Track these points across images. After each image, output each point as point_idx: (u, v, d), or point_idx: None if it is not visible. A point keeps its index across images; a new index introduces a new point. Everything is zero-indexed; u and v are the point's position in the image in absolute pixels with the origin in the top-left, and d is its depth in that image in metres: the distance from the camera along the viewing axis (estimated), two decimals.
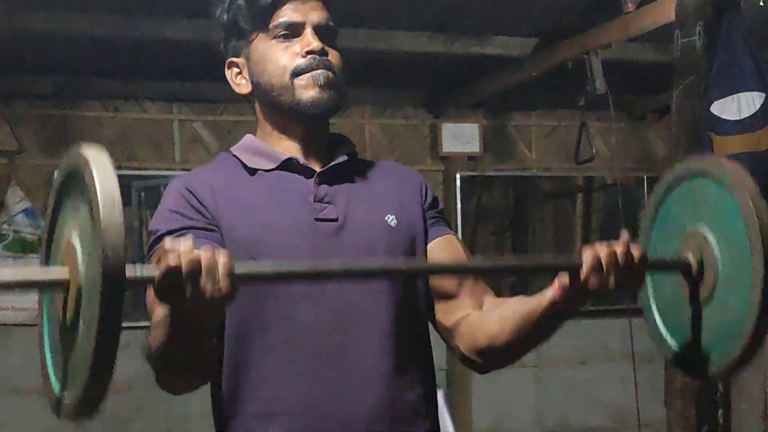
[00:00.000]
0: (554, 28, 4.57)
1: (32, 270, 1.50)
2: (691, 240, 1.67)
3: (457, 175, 5.84)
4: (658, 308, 1.78)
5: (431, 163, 5.90)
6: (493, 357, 1.84)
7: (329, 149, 1.90)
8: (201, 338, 1.59)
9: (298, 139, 1.87)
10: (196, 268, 1.41)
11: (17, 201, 5.22)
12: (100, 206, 1.28)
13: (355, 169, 1.90)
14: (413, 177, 1.97)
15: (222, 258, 1.43)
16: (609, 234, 5.89)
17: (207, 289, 1.41)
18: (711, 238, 1.64)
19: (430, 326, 1.90)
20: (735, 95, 3.08)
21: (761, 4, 3.44)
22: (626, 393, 4.94)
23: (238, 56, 1.90)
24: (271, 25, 1.83)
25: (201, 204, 1.76)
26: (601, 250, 1.58)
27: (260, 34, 1.85)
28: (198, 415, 5.09)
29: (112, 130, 5.47)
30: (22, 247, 5.21)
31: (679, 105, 3.32)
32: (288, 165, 1.84)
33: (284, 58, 1.82)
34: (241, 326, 1.76)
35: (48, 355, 1.48)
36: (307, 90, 1.80)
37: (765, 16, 3.77)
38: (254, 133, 1.93)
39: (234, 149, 1.91)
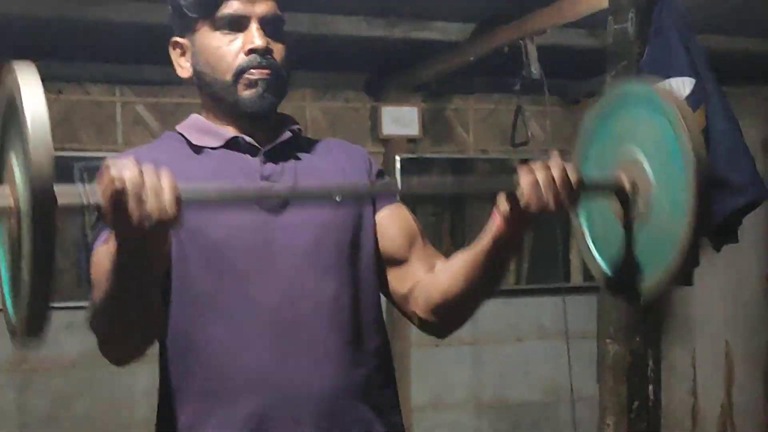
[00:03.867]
0: (491, 14, 4.61)
1: None
2: (624, 162, 1.67)
3: (397, 158, 5.86)
4: (590, 231, 1.80)
5: (372, 145, 5.88)
6: (451, 313, 1.85)
7: (274, 128, 1.89)
8: (146, 284, 1.56)
9: (243, 124, 1.86)
10: (139, 187, 1.38)
11: None
12: (28, 122, 1.26)
13: (301, 147, 1.90)
14: (358, 152, 1.98)
15: (166, 179, 1.42)
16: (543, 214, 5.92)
17: (153, 208, 1.39)
18: (644, 160, 1.63)
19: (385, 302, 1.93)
20: (666, 80, 3.12)
21: None
22: (560, 369, 5.04)
23: (183, 37, 1.87)
24: (215, 16, 1.80)
25: None
26: (538, 170, 1.59)
27: (205, 24, 1.82)
28: (142, 392, 5.18)
29: (55, 112, 5.30)
30: None
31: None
32: (234, 143, 1.84)
33: (228, 55, 1.80)
34: (191, 302, 1.75)
35: (5, 284, 1.48)
36: (247, 90, 1.81)
37: (696, 3, 3.87)
38: (200, 113, 1.92)
39: (180, 127, 1.91)
